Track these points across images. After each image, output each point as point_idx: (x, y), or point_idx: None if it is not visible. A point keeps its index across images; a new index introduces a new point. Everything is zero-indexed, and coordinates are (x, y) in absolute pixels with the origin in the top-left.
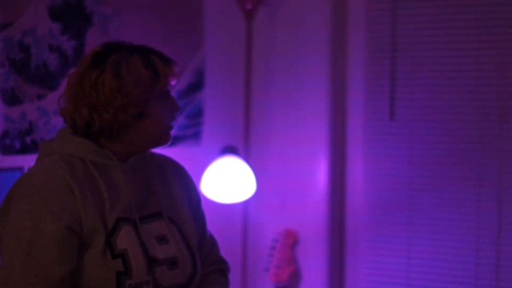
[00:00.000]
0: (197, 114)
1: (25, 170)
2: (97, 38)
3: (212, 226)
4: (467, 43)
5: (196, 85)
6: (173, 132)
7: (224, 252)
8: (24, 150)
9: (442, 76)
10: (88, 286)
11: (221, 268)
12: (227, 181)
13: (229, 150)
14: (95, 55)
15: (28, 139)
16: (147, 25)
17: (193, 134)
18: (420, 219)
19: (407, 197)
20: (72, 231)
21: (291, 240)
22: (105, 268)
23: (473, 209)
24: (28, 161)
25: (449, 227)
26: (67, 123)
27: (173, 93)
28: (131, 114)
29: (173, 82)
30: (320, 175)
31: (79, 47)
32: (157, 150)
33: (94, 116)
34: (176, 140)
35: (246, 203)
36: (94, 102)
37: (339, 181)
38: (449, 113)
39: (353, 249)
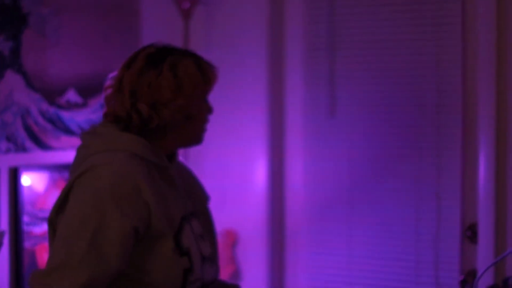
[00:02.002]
0: None
1: None
2: (34, 39)
3: None
4: (406, 40)
5: None
6: None
7: None
8: None
9: (381, 72)
10: (154, 282)
11: None
12: None
13: None
14: (149, 55)
15: None
16: (84, 25)
17: None
18: (360, 215)
19: (347, 193)
20: (136, 232)
21: (231, 240)
22: (175, 265)
23: (413, 204)
24: None
25: (389, 223)
26: (110, 119)
27: None
28: (187, 114)
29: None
30: (259, 173)
31: (15, 47)
32: None
33: (153, 114)
34: None
35: None
36: (155, 100)
37: (278, 179)
38: (388, 109)
39: (294, 247)
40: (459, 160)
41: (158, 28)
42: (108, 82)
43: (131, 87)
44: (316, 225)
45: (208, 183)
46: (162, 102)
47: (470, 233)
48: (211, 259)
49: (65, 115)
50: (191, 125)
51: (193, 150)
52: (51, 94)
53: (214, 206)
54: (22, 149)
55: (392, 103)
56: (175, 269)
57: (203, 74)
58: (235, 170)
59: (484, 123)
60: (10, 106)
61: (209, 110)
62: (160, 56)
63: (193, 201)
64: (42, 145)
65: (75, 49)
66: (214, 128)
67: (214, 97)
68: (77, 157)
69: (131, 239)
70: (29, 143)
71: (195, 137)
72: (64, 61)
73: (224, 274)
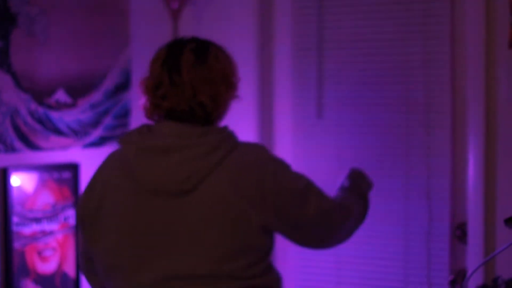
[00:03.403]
0: (124, 115)
1: None
2: (23, 39)
3: None
4: (394, 40)
5: (123, 86)
6: (100, 133)
7: None
8: None
9: (369, 72)
10: None
11: None
12: None
13: None
14: (195, 51)
15: None
16: (73, 25)
17: (121, 134)
18: None
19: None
20: None
21: None
22: None
23: (402, 204)
24: None
25: (378, 223)
26: (162, 114)
27: (100, 94)
28: (229, 104)
29: None
30: None
31: (4, 48)
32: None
33: (213, 106)
34: (104, 140)
35: None
36: (213, 93)
37: None
38: (377, 109)
39: (283, 247)
40: (448, 159)
41: (147, 28)
42: (147, 77)
43: (190, 82)
44: None
45: None
46: (220, 94)
47: (459, 232)
48: None
49: (54, 115)
50: (225, 114)
51: None
52: (40, 94)
53: None
54: (11, 149)
55: (380, 103)
56: None
57: (234, 65)
58: None
59: (473, 123)
60: None
61: None
62: (202, 50)
63: None
64: (31, 146)
65: (64, 49)
66: None
67: None
68: (198, 164)
69: None
70: (18, 144)
71: None
72: (53, 61)
73: None
